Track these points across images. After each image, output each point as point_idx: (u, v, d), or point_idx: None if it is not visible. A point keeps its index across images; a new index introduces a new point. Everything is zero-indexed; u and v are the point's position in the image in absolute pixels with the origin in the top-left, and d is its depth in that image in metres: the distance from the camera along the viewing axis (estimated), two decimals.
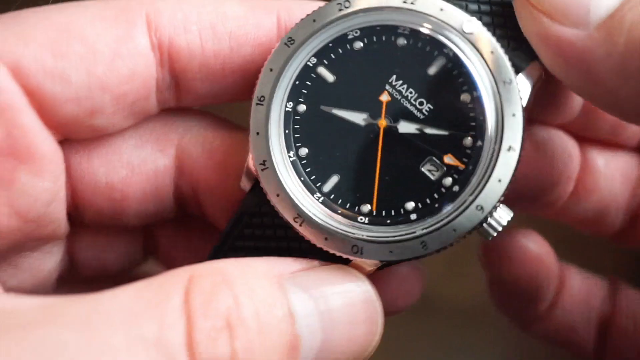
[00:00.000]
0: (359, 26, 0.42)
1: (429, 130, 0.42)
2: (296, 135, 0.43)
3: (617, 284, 0.62)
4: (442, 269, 0.86)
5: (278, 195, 0.42)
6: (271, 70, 0.43)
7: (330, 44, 0.43)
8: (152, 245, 0.57)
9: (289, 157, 0.42)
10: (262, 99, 0.42)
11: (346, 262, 0.43)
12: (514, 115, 0.41)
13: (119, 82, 0.45)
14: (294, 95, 0.43)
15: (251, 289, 0.38)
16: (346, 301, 0.41)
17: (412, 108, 0.42)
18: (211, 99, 0.49)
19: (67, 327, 0.35)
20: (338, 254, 0.42)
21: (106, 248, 0.55)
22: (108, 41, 0.45)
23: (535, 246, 0.58)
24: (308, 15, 0.43)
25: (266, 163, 0.41)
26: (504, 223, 0.42)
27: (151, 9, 0.46)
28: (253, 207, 0.44)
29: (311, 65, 0.43)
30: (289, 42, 0.43)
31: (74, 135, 0.48)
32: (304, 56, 0.43)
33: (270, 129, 0.42)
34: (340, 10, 0.42)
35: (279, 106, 0.43)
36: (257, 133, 0.42)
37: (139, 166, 0.49)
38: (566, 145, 0.55)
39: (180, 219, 0.55)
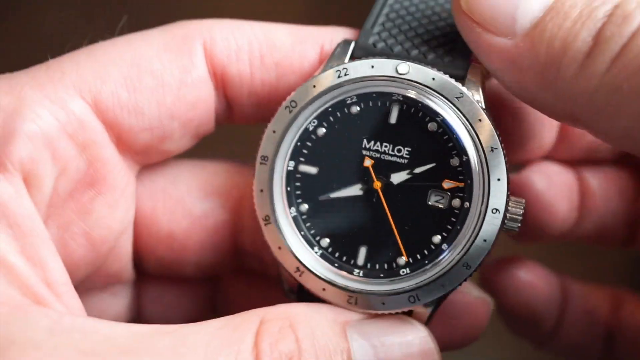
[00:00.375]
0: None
1: (418, 170, 0.44)
2: (297, 192, 0.45)
3: (620, 293, 0.62)
4: None
5: (280, 248, 0.44)
6: (274, 132, 0.45)
7: (330, 109, 0.45)
8: (221, 298, 0.58)
9: (291, 212, 0.45)
10: (265, 158, 0.45)
11: (409, 313, 0.44)
12: (480, 120, 0.44)
13: (185, 109, 0.49)
14: (295, 155, 0.46)
15: (314, 334, 0.41)
16: (404, 351, 0.42)
17: (394, 159, 0.44)
18: (260, 119, 0.51)
19: (159, 356, 0.39)
20: (334, 303, 0.44)
21: (173, 303, 0.56)
22: (174, 72, 0.49)
23: (526, 274, 0.59)
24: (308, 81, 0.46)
25: (269, 218, 0.44)
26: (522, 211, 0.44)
27: (207, 36, 0.49)
28: None
29: (311, 129, 0.46)
30: (291, 105, 0.45)
31: (146, 161, 0.51)
32: (304, 119, 0.45)
33: (273, 186, 0.45)
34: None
35: (280, 165, 0.45)
36: (261, 190, 0.44)
37: (199, 219, 0.52)
38: (565, 179, 0.56)
39: (247, 273, 0.56)
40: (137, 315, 0.55)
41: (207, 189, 0.54)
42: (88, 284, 0.50)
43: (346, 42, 0.48)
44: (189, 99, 0.50)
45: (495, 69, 0.44)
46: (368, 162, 0.45)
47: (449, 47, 0.47)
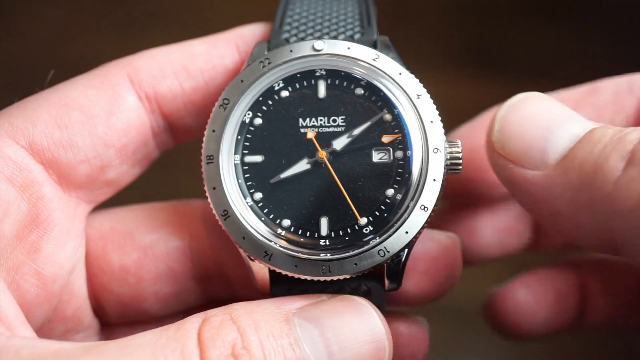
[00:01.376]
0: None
1: (356, 132, 0.46)
2: (248, 183, 0.46)
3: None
4: None
5: (214, 188, 0.45)
6: (213, 131, 0.47)
7: (261, 98, 0.47)
8: None
9: (247, 202, 0.46)
10: (210, 157, 0.46)
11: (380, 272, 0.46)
12: (400, 74, 0.47)
13: (118, 136, 0.51)
14: (238, 148, 0.47)
15: (256, 324, 0.42)
16: (353, 334, 0.43)
17: (332, 129, 0.46)
18: (202, 131, 0.52)
19: (105, 356, 0.41)
20: (309, 278, 0.45)
21: None
22: (101, 104, 0.51)
23: (526, 295, 0.60)
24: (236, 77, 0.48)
25: (227, 212, 0.45)
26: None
27: (130, 68, 0.52)
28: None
29: (247, 121, 0.48)
30: (224, 103, 0.47)
31: (93, 196, 0.52)
32: (239, 113, 0.47)
33: (224, 182, 0.46)
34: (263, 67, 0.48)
35: (227, 160, 0.46)
36: (214, 188, 0.46)
37: (149, 248, 0.53)
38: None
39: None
40: None
41: (154, 223, 0.55)
42: (47, 330, 0.50)
43: (261, 42, 0.51)
44: (120, 126, 0.52)
45: (529, 202, 0.47)
46: (311, 134, 0.46)
47: (358, 29, 0.50)
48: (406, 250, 0.45)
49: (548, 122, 0.44)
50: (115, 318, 0.55)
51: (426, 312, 0.84)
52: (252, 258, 0.46)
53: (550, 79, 0.92)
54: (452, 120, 0.95)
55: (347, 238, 0.45)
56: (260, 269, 0.47)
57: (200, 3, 1.17)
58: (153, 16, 1.11)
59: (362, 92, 0.47)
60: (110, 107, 0.52)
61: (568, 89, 0.53)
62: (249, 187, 0.46)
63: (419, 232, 0.44)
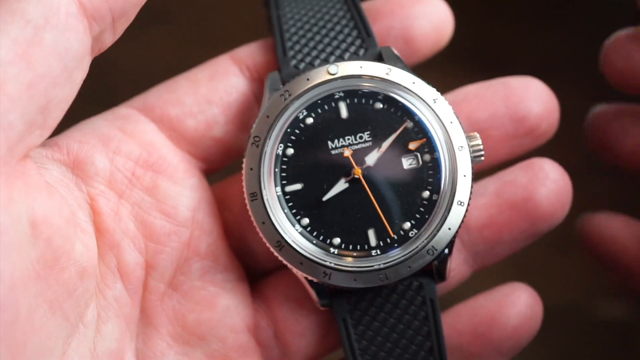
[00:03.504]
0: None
1: (384, 144, 0.49)
2: (293, 211, 0.48)
3: None
4: None
5: (264, 223, 0.47)
6: (251, 169, 0.49)
7: (289, 129, 0.50)
8: None
9: (296, 229, 0.48)
10: (254, 194, 0.48)
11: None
12: (414, 82, 0.49)
13: (220, 95, 0.53)
14: (276, 179, 0.49)
15: None
16: None
17: (361, 145, 0.49)
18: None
19: None
20: (310, 277, 0.47)
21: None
22: (204, 72, 0.55)
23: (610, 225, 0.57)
24: (281, 94, 0.50)
25: (281, 242, 0.47)
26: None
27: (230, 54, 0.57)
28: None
29: (280, 153, 0.50)
30: (254, 140, 0.50)
31: (206, 154, 0.53)
32: (271, 148, 0.49)
33: (271, 214, 0.48)
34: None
35: (269, 194, 0.48)
36: (263, 222, 0.48)
37: None
38: None
39: None
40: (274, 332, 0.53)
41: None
42: (186, 268, 0.49)
43: (272, 73, 0.53)
44: (222, 87, 0.54)
45: None
46: (347, 153, 0.49)
47: (359, 42, 0.53)
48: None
49: None
50: (265, 263, 0.54)
51: None
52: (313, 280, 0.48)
53: (550, 79, 0.92)
54: None
55: (395, 245, 0.47)
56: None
57: (201, 3, 1.17)
58: (153, 16, 1.11)
59: (382, 105, 0.50)
60: (213, 73, 0.55)
61: None
62: (294, 215, 0.48)
63: (459, 227, 0.47)
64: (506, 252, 0.51)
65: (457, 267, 0.50)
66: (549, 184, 0.49)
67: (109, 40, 0.45)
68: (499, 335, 0.50)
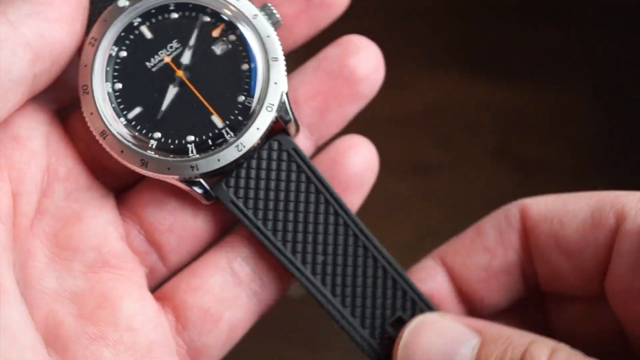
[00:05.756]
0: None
1: (190, 42, 0.50)
2: (121, 106, 0.50)
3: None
4: None
5: (92, 113, 0.48)
6: (85, 66, 0.50)
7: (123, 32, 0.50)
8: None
9: (121, 121, 0.49)
10: (85, 87, 0.49)
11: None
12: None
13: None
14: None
15: None
16: None
17: (175, 53, 0.50)
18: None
19: None
20: (130, 165, 0.48)
21: None
22: None
23: None
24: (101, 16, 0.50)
25: (105, 132, 0.48)
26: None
27: None
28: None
29: (113, 54, 0.50)
30: (92, 40, 0.50)
31: (55, 95, 0.51)
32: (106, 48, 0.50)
33: (99, 106, 0.49)
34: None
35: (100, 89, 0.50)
36: (91, 113, 0.49)
37: None
38: None
39: None
40: None
41: None
42: (49, 192, 0.49)
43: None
44: None
45: None
46: (167, 59, 0.50)
47: None
48: (286, 101, 0.50)
49: (445, 356, 0.46)
50: (122, 176, 0.53)
51: None
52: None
53: (549, 79, 0.92)
54: (453, 119, 0.95)
55: (209, 142, 0.48)
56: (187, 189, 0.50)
57: None
58: None
59: (177, 15, 0.51)
60: None
61: (458, 237, 0.53)
62: (122, 110, 0.49)
63: (267, 128, 0.48)
64: (338, 120, 0.54)
65: (301, 145, 0.52)
66: (360, 51, 0.53)
67: (44, 82, 0.47)
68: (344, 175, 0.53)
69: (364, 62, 0.52)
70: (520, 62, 0.95)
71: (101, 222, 0.48)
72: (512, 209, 0.52)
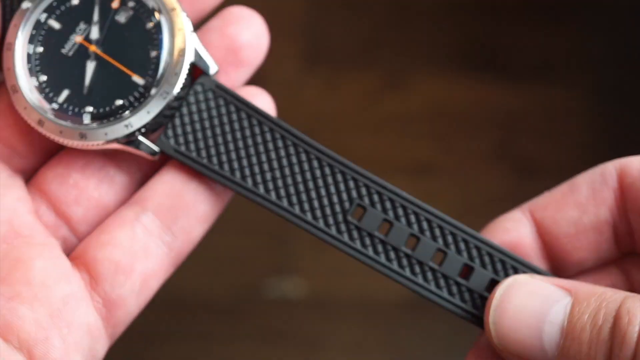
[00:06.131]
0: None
1: (94, 17, 0.52)
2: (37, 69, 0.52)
3: None
4: None
5: (25, 108, 0.50)
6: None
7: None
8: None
9: (32, 82, 0.51)
10: (10, 44, 0.52)
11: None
12: None
13: None
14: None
15: None
16: None
17: (84, 34, 0.52)
18: None
19: None
20: (70, 142, 0.50)
21: None
22: None
23: None
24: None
25: (15, 87, 0.50)
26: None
27: None
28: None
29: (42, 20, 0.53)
30: (8, 45, 0.51)
31: None
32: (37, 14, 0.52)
33: (16, 63, 0.51)
34: None
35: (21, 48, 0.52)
36: (8, 68, 0.51)
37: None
38: None
39: None
40: None
41: None
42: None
43: None
44: None
45: None
46: (79, 39, 0.52)
47: None
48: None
49: (536, 317, 0.46)
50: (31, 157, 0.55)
51: (426, 312, 0.83)
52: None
53: (550, 79, 0.92)
54: (453, 119, 0.95)
55: (105, 115, 0.51)
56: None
57: None
58: None
59: (79, 2, 0.53)
60: None
61: (550, 191, 0.53)
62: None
63: (159, 112, 0.50)
64: (228, 86, 0.57)
65: None
66: (240, 20, 0.55)
67: None
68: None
69: (244, 30, 0.54)
70: (520, 62, 0.95)
71: (10, 199, 0.50)
72: (609, 167, 0.52)
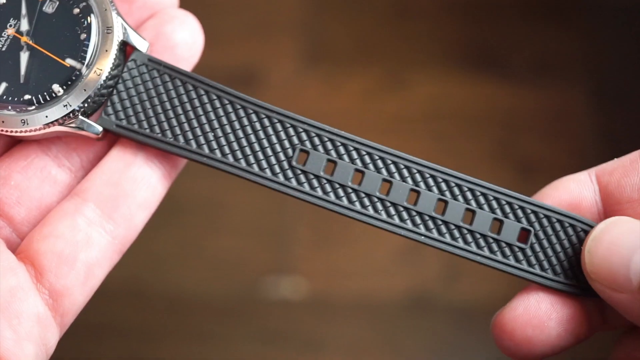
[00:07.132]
0: None
1: (22, 10, 0.55)
2: None
3: None
4: (440, 268, 0.86)
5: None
6: None
7: None
8: None
9: None
10: None
11: None
12: None
13: None
14: None
15: None
16: None
17: (14, 29, 0.54)
18: None
19: None
20: (12, 129, 0.52)
21: None
22: None
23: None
24: None
25: None
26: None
27: None
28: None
29: None
30: None
31: None
32: None
33: None
34: None
35: None
36: None
37: None
38: None
39: None
40: None
41: None
42: None
43: None
44: None
45: (626, 317, 0.49)
46: (11, 32, 0.55)
47: None
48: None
49: (628, 249, 0.47)
50: None
51: (426, 312, 0.83)
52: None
53: (550, 79, 0.92)
54: (453, 119, 0.95)
55: (45, 100, 0.53)
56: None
57: (202, 2, 1.17)
58: None
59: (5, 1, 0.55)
60: None
61: (619, 158, 0.54)
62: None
63: (94, 91, 0.53)
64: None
65: None
66: (174, 19, 0.56)
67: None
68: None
69: (178, 27, 0.56)
70: (521, 62, 0.95)
71: None
72: None
